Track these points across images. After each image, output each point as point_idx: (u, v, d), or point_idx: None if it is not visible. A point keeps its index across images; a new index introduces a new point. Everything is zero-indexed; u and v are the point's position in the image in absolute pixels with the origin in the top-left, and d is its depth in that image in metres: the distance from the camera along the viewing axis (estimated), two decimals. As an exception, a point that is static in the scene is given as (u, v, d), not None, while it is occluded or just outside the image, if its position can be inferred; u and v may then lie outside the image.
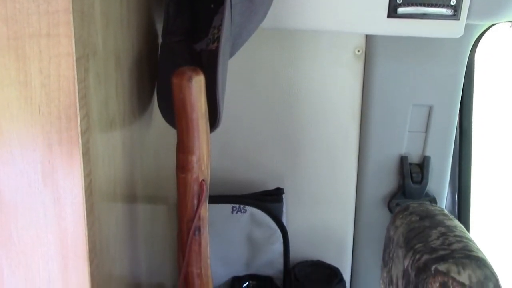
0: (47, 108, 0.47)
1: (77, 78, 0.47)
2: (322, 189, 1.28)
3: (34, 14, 0.45)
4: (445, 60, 1.17)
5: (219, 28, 0.75)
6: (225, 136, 1.23)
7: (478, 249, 0.80)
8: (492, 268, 0.76)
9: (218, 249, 1.22)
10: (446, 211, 0.95)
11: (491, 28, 1.19)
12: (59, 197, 0.49)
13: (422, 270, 0.78)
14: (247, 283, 1.26)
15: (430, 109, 1.21)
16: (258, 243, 1.25)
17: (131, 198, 0.71)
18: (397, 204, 1.25)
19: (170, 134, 0.73)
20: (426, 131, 1.23)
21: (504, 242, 2.65)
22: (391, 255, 0.93)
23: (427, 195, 1.26)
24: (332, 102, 1.22)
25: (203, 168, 0.69)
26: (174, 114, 0.67)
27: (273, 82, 1.20)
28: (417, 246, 0.83)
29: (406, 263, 0.83)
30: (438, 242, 0.82)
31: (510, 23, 1.21)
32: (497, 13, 0.95)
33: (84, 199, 0.50)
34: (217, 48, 0.72)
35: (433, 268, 0.77)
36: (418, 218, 0.91)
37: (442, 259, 0.77)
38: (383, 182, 1.26)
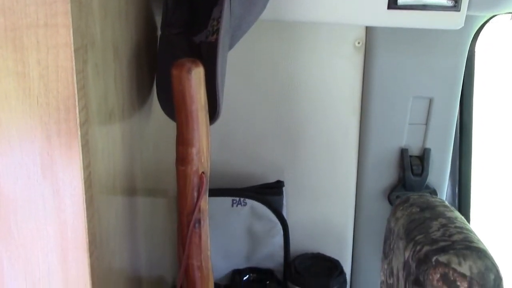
0: (46, 99, 0.47)
1: (76, 69, 0.46)
2: (322, 182, 1.28)
3: (31, 5, 0.45)
4: (446, 52, 1.17)
5: (218, 20, 0.75)
6: (225, 129, 1.22)
7: (478, 240, 0.80)
8: (492, 259, 0.76)
9: (219, 242, 1.22)
10: (446, 203, 0.94)
11: (491, 20, 1.19)
12: (58, 189, 0.49)
13: (423, 261, 0.78)
14: (247, 276, 1.26)
15: (431, 101, 1.21)
16: (259, 236, 1.25)
17: (130, 190, 0.71)
18: (398, 197, 1.25)
19: (169, 126, 0.72)
20: (427, 124, 1.23)
21: (505, 233, 2.66)
22: (391, 246, 0.93)
23: (428, 187, 1.26)
24: (332, 94, 1.21)
25: (203, 161, 0.69)
26: (173, 106, 0.67)
27: (273, 75, 1.20)
28: (417, 237, 0.83)
29: (406, 254, 0.83)
30: (438, 234, 0.81)
31: (510, 15, 1.20)
32: (497, 4, 0.95)
33: (84, 191, 0.50)
34: (217, 40, 0.72)
35: (433, 259, 0.76)
36: (418, 209, 0.91)
37: (443, 250, 0.77)
38: (383, 174, 1.26)
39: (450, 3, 0.89)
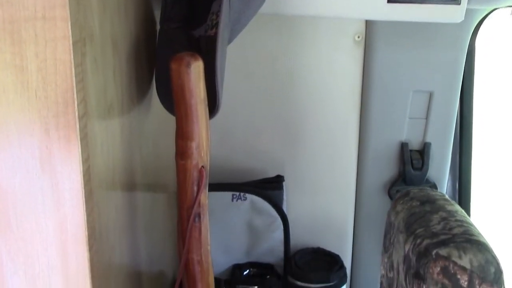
0: (44, 93, 0.46)
1: (74, 62, 0.46)
2: (322, 176, 1.27)
3: (29, -3, 0.44)
4: (446, 46, 1.16)
5: (218, 14, 0.75)
6: (225, 124, 1.22)
7: (479, 233, 0.80)
8: (493, 252, 0.76)
9: (219, 237, 1.22)
10: (446, 196, 0.94)
11: (491, 15, 1.19)
12: (57, 182, 0.49)
13: (423, 254, 0.78)
14: (247, 270, 1.26)
15: (431, 95, 1.20)
16: (259, 230, 1.25)
17: (130, 185, 0.71)
18: (398, 191, 1.25)
19: (169, 121, 0.72)
20: (427, 118, 1.22)
21: (505, 227, 2.66)
22: (391, 240, 0.93)
23: (428, 181, 1.26)
24: (332, 88, 1.21)
25: (202, 155, 0.69)
26: (173, 100, 0.67)
27: (273, 69, 1.19)
28: (418, 231, 0.83)
29: (407, 248, 0.83)
30: (439, 227, 0.81)
31: (510, 10, 1.20)
32: None
33: (83, 184, 0.49)
34: (216, 34, 0.72)
35: (434, 252, 0.76)
36: (418, 203, 0.91)
37: (443, 243, 0.77)
38: (384, 168, 1.26)
39: None
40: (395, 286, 0.91)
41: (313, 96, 1.22)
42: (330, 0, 0.89)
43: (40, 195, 0.49)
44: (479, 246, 0.76)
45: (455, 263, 0.75)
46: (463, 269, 0.75)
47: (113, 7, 0.60)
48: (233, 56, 0.98)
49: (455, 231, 0.80)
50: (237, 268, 1.26)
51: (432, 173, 1.26)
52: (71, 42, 0.46)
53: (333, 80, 1.21)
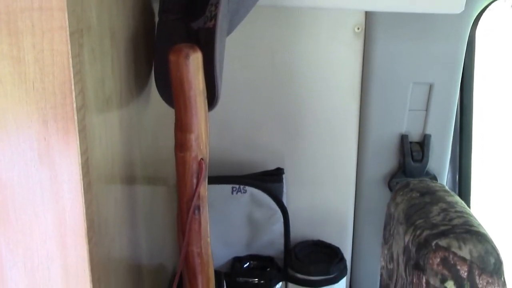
0: (41, 84, 0.46)
1: (71, 53, 0.46)
2: (322, 169, 1.27)
3: (25, -13, 0.44)
4: (446, 37, 1.16)
5: (216, 5, 0.74)
6: (224, 116, 1.22)
7: (479, 224, 0.80)
8: (493, 243, 0.76)
9: (219, 230, 1.22)
10: (446, 187, 0.94)
11: (491, 8, 1.18)
12: (56, 174, 0.49)
13: (423, 245, 0.78)
14: (248, 263, 1.26)
15: (431, 87, 1.20)
16: (259, 223, 1.25)
17: (129, 178, 0.71)
18: (398, 183, 1.25)
19: (168, 114, 0.72)
20: (427, 109, 1.22)
21: (505, 218, 2.66)
22: (391, 232, 0.93)
23: (428, 173, 1.26)
24: (332, 80, 1.21)
25: (201, 147, 0.69)
26: (171, 92, 0.67)
27: (272, 61, 1.19)
28: (417, 222, 0.82)
29: (406, 239, 0.83)
30: (439, 218, 0.81)
31: (510, 3, 1.19)
32: None
33: (81, 176, 0.49)
34: (214, 26, 0.71)
35: (433, 243, 0.76)
36: (418, 194, 0.91)
37: (443, 234, 0.77)
38: (384, 161, 1.25)
39: None
40: (395, 277, 0.91)
41: (313, 88, 1.22)
42: None
43: (38, 187, 0.49)
44: (479, 236, 0.76)
45: (455, 254, 0.75)
46: (463, 259, 0.75)
47: (111, -2, 0.60)
48: (232, 48, 0.97)
49: (455, 222, 0.80)
50: (237, 260, 1.26)
51: (432, 165, 1.26)
52: (68, 32, 0.45)
53: (332, 72, 1.20)
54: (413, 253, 0.80)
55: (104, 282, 0.57)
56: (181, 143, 0.68)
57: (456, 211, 0.83)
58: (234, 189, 1.23)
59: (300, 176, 1.28)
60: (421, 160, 1.24)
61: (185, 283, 0.73)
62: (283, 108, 1.23)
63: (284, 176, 1.26)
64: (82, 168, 0.49)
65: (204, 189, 0.71)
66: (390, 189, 1.26)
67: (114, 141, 0.62)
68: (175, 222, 0.73)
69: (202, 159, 0.69)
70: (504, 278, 0.77)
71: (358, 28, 1.16)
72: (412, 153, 1.23)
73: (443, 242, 0.76)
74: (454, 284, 0.75)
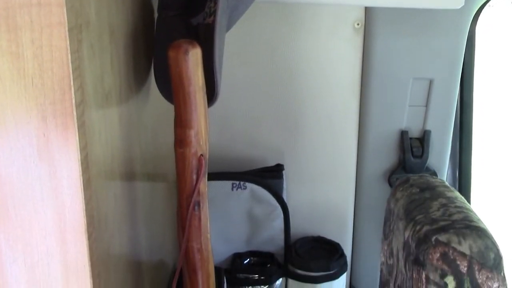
0: (40, 80, 0.46)
1: (70, 49, 0.46)
2: (322, 165, 1.27)
3: (24, -17, 0.44)
4: (446, 33, 1.16)
5: (215, 1, 0.74)
6: (224, 113, 1.22)
7: (478, 219, 0.80)
8: (492, 238, 0.76)
9: (219, 226, 1.22)
10: (446, 183, 0.94)
11: (490, 2, 1.18)
12: (55, 170, 0.49)
13: (423, 241, 0.78)
14: (248, 259, 1.27)
15: (431, 82, 1.20)
16: (259, 219, 1.25)
17: (129, 174, 0.71)
18: (398, 179, 1.25)
19: (168, 110, 0.72)
20: (427, 105, 1.22)
21: (505, 214, 2.66)
22: (391, 227, 0.93)
23: (428, 169, 1.26)
24: (332, 77, 1.21)
25: (201, 143, 0.69)
26: (171, 89, 0.67)
27: (271, 56, 1.19)
28: (417, 217, 0.82)
29: (406, 234, 0.83)
30: (438, 213, 0.81)
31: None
32: None
33: (81, 172, 0.49)
34: (214, 21, 0.71)
35: (433, 238, 0.76)
36: (418, 190, 0.91)
37: (443, 229, 0.77)
38: (384, 157, 1.25)
39: None
40: (395, 273, 0.91)
41: (313, 84, 1.21)
42: None
43: (38, 183, 0.49)
44: (478, 232, 0.76)
45: (454, 249, 0.75)
46: (463, 255, 0.75)
47: (110, -6, 0.60)
48: (233, 44, 0.97)
49: (455, 217, 0.80)
50: (237, 257, 1.26)
51: (432, 161, 1.26)
52: (66, 28, 0.45)
53: (332, 68, 1.20)
54: (413, 248, 0.80)
55: (104, 277, 0.57)
56: (180, 139, 0.68)
57: (456, 207, 0.83)
58: (234, 185, 1.23)
59: (300, 172, 1.28)
60: (421, 156, 1.24)
61: (185, 279, 0.74)
62: (283, 104, 1.23)
63: (284, 172, 1.26)
64: (82, 164, 0.49)
65: (204, 185, 0.71)
66: (390, 185, 1.26)
67: (113, 137, 0.62)
68: (175, 218, 0.73)
69: (201, 155, 0.69)
70: (503, 273, 0.77)
71: (358, 24, 1.16)
72: (412, 149, 1.23)
73: (443, 238, 0.76)
74: (454, 279, 0.75)
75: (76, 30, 0.48)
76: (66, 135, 0.48)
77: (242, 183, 1.23)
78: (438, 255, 0.75)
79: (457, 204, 0.84)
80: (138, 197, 0.75)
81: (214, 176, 1.18)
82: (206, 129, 0.69)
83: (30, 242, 0.51)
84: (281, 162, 1.26)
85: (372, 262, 1.33)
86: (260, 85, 1.22)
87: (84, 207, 0.50)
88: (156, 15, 0.79)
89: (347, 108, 1.23)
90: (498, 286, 0.75)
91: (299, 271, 1.23)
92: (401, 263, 0.86)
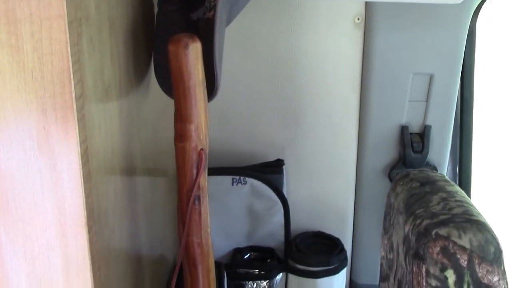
0: (40, 73, 0.46)
1: (70, 42, 0.46)
2: (322, 160, 1.27)
3: (23, -25, 0.44)
4: (446, 28, 1.16)
5: (216, -5, 0.74)
6: (224, 107, 1.22)
7: (478, 213, 0.80)
8: (493, 232, 0.76)
9: (219, 221, 1.22)
10: (446, 177, 0.94)
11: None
12: (55, 163, 0.49)
13: (423, 234, 0.78)
14: (248, 254, 1.27)
15: (431, 77, 1.20)
16: (259, 214, 1.25)
17: (129, 168, 0.71)
18: (398, 174, 1.25)
19: (168, 104, 0.72)
20: (427, 100, 1.22)
21: (505, 208, 2.66)
22: (391, 221, 0.93)
23: (428, 164, 1.26)
24: (332, 71, 1.20)
25: (201, 137, 0.69)
26: (171, 83, 0.67)
27: (272, 52, 1.19)
28: (417, 211, 0.83)
29: (406, 228, 0.83)
30: (438, 207, 0.81)
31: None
32: None
33: (81, 165, 0.49)
34: (214, 16, 0.71)
35: (433, 232, 0.76)
36: (418, 184, 0.91)
37: (443, 223, 0.77)
38: (384, 152, 1.25)
39: None
40: (395, 267, 0.91)
41: (313, 79, 1.21)
42: None
43: (38, 176, 0.49)
44: (478, 226, 0.76)
45: (454, 243, 0.75)
46: (463, 248, 0.75)
47: (110, -12, 0.60)
48: (233, 38, 0.97)
49: (455, 211, 0.80)
50: (237, 252, 1.27)
51: (432, 156, 1.26)
52: (66, 21, 0.45)
53: (333, 63, 1.20)
54: (413, 242, 0.80)
55: (104, 271, 0.57)
56: (180, 133, 0.68)
57: (456, 201, 0.83)
58: (235, 180, 1.23)
59: (300, 168, 1.28)
60: (421, 151, 1.24)
61: (186, 273, 0.74)
62: (283, 99, 1.23)
63: (284, 167, 1.26)
64: (82, 157, 0.49)
65: (204, 179, 0.71)
66: (391, 180, 1.26)
67: (113, 130, 0.62)
68: (175, 212, 0.73)
69: (202, 149, 0.69)
70: (504, 267, 0.77)
71: (358, 19, 1.16)
72: (412, 144, 1.23)
73: (443, 231, 0.76)
74: (454, 273, 0.75)
75: (75, 23, 0.47)
76: (66, 128, 0.48)
77: (242, 178, 1.23)
78: (438, 249, 0.75)
79: (457, 198, 0.84)
80: (138, 191, 0.75)
81: (214, 171, 1.18)
82: (206, 123, 0.69)
83: (30, 235, 0.51)
84: (281, 157, 1.26)
85: (372, 257, 1.33)
86: (260, 80, 1.21)
87: (84, 201, 0.50)
88: (156, 9, 0.79)
89: (347, 103, 1.23)
90: (498, 280, 0.75)
91: (299, 266, 1.23)
92: (401, 257, 0.86)
